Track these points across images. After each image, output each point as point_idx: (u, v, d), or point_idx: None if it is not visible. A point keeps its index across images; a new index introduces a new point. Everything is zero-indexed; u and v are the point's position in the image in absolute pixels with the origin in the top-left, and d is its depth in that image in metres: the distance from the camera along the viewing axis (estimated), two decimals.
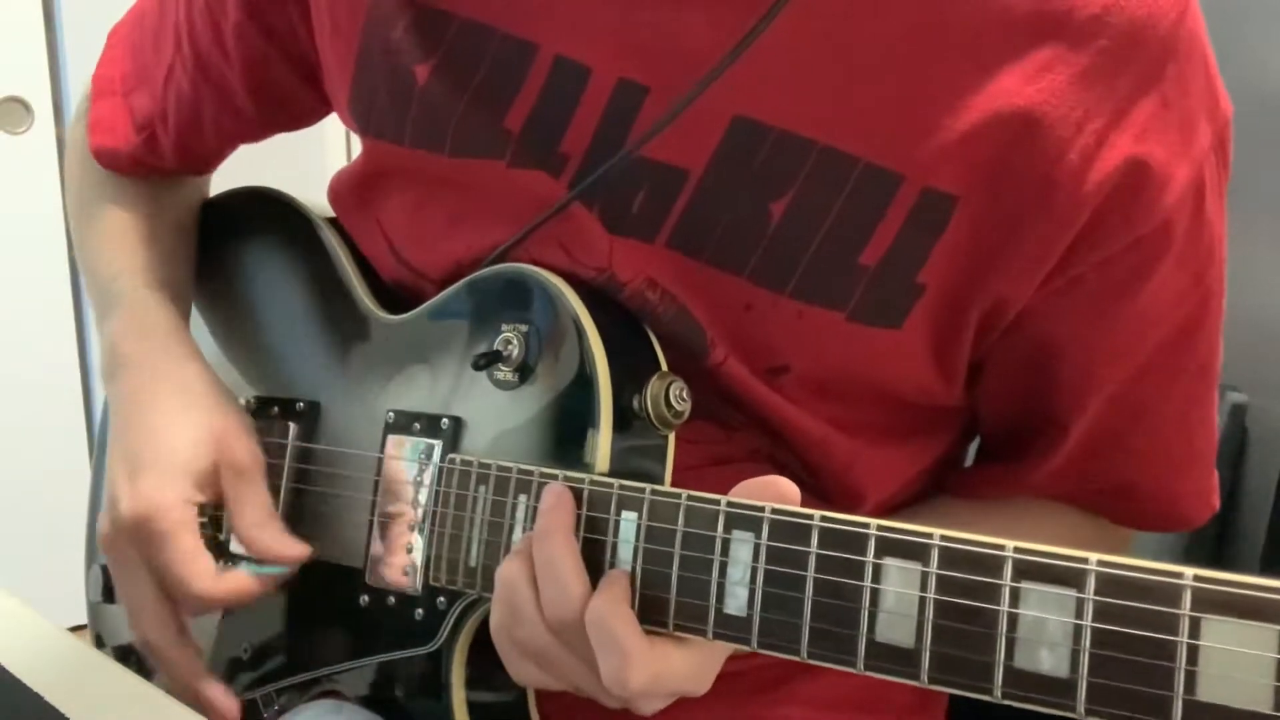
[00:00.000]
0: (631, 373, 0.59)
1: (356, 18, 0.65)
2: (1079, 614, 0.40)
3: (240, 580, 0.64)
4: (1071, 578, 0.40)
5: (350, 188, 0.73)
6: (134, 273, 0.76)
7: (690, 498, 0.51)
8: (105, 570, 0.83)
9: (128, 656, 0.81)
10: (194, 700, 0.66)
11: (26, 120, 2.21)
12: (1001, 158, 0.56)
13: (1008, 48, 0.56)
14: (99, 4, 2.16)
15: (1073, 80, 0.56)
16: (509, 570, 0.55)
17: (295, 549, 0.65)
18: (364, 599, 0.65)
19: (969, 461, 0.76)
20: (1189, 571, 0.38)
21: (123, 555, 0.65)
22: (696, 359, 0.61)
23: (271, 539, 0.65)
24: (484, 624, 0.60)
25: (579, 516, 0.55)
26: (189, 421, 0.66)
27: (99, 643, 0.86)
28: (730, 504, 0.50)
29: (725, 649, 0.55)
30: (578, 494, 0.55)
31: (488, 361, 0.61)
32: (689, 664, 0.53)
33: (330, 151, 2.50)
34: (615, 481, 0.54)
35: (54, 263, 2.29)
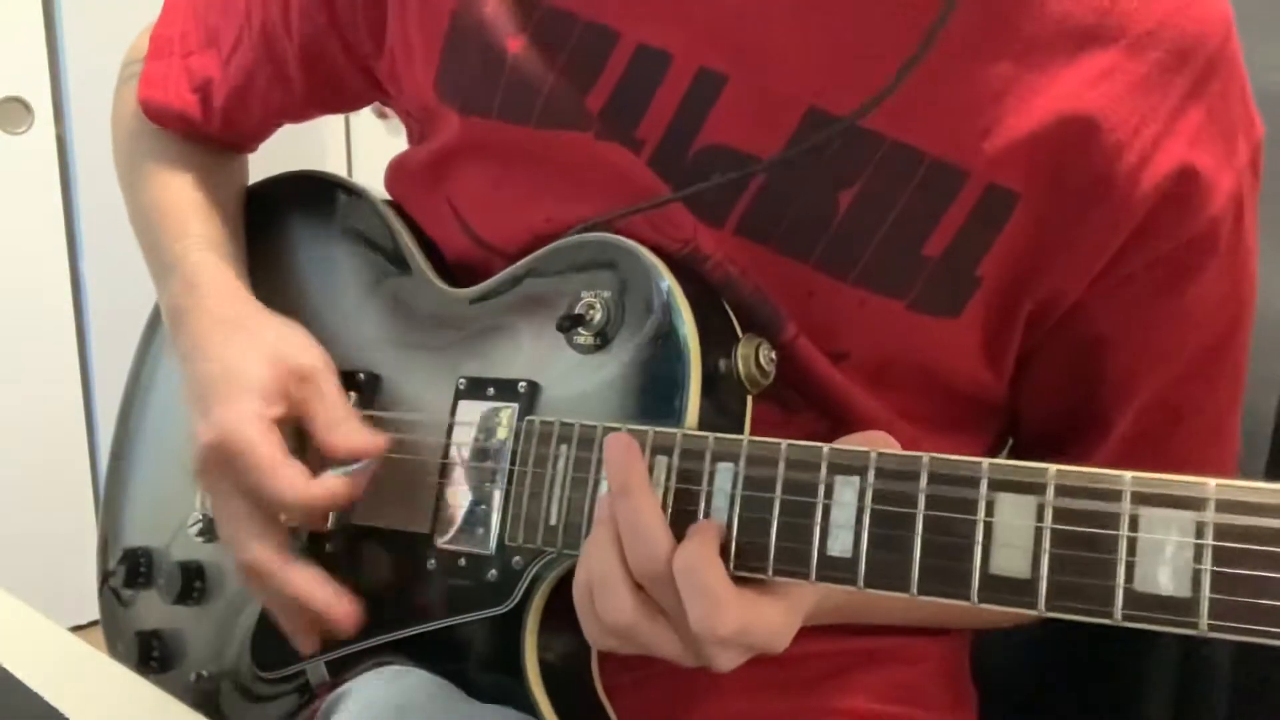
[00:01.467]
0: (716, 337, 0.60)
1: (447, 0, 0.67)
2: (1199, 535, 0.42)
3: (331, 482, 0.64)
4: (1191, 501, 0.42)
5: (418, 167, 0.74)
6: (190, 237, 0.77)
7: (791, 446, 0.52)
8: (128, 554, 0.83)
9: (149, 642, 0.81)
10: (310, 620, 0.65)
11: (26, 120, 2.19)
12: (1062, 158, 0.59)
13: (1069, 52, 0.59)
14: (99, 4, 2.16)
15: (1130, 88, 0.59)
16: (593, 540, 0.56)
17: (371, 441, 0.65)
18: (431, 562, 0.65)
19: None
20: None
21: (215, 487, 0.66)
22: (771, 335, 0.63)
23: (343, 437, 0.65)
24: (559, 583, 0.61)
25: (670, 466, 0.55)
26: (245, 345, 0.68)
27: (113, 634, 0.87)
28: (833, 450, 0.51)
29: (805, 607, 0.56)
30: (669, 447, 0.56)
31: (571, 324, 0.62)
32: (774, 618, 0.54)
33: (330, 151, 2.51)
34: (710, 435, 0.55)
35: (54, 262, 2.26)
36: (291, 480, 0.63)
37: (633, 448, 0.55)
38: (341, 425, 0.65)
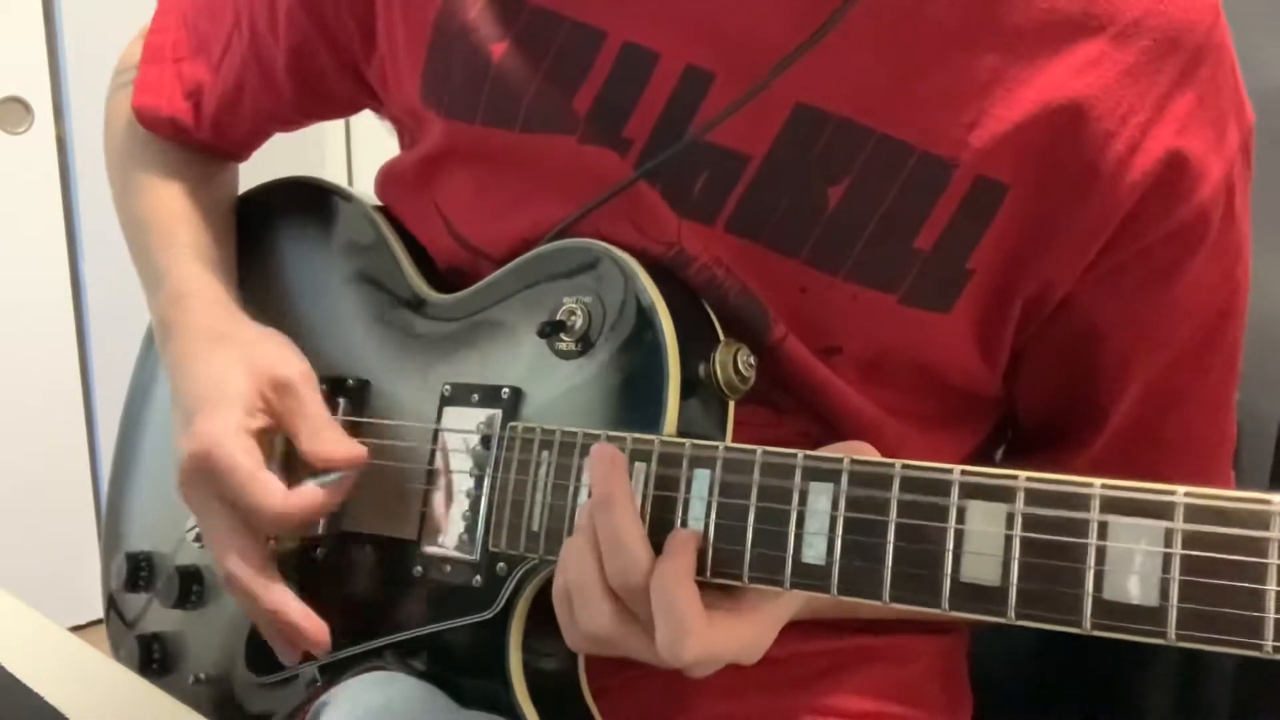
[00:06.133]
0: (695, 343, 0.60)
1: (432, 3, 0.67)
2: (1168, 543, 0.41)
3: (310, 493, 0.65)
4: (1159, 509, 0.42)
5: (406, 172, 0.74)
6: (177, 247, 0.77)
7: (766, 453, 0.52)
8: (130, 559, 0.83)
9: (150, 645, 0.81)
10: (279, 631, 0.66)
11: (26, 120, 2.20)
12: (1050, 147, 0.59)
13: (1056, 43, 0.59)
14: (99, 4, 2.16)
15: (1118, 76, 0.59)
16: (572, 548, 0.56)
17: (352, 451, 0.66)
18: (417, 569, 0.66)
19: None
20: (1277, 498, 0.40)
21: (195, 497, 0.66)
22: (758, 336, 0.63)
23: (323, 447, 0.66)
24: (543, 589, 0.61)
25: (648, 473, 0.55)
26: (227, 358, 0.69)
27: (117, 637, 0.87)
28: (808, 457, 0.51)
29: (780, 621, 0.56)
30: (647, 453, 0.56)
31: (552, 330, 0.62)
32: (741, 639, 0.54)
33: (330, 152, 2.50)
34: (687, 441, 0.55)
35: (54, 262, 2.28)
36: (268, 491, 0.64)
37: (617, 459, 0.55)
38: (321, 435, 0.66)
